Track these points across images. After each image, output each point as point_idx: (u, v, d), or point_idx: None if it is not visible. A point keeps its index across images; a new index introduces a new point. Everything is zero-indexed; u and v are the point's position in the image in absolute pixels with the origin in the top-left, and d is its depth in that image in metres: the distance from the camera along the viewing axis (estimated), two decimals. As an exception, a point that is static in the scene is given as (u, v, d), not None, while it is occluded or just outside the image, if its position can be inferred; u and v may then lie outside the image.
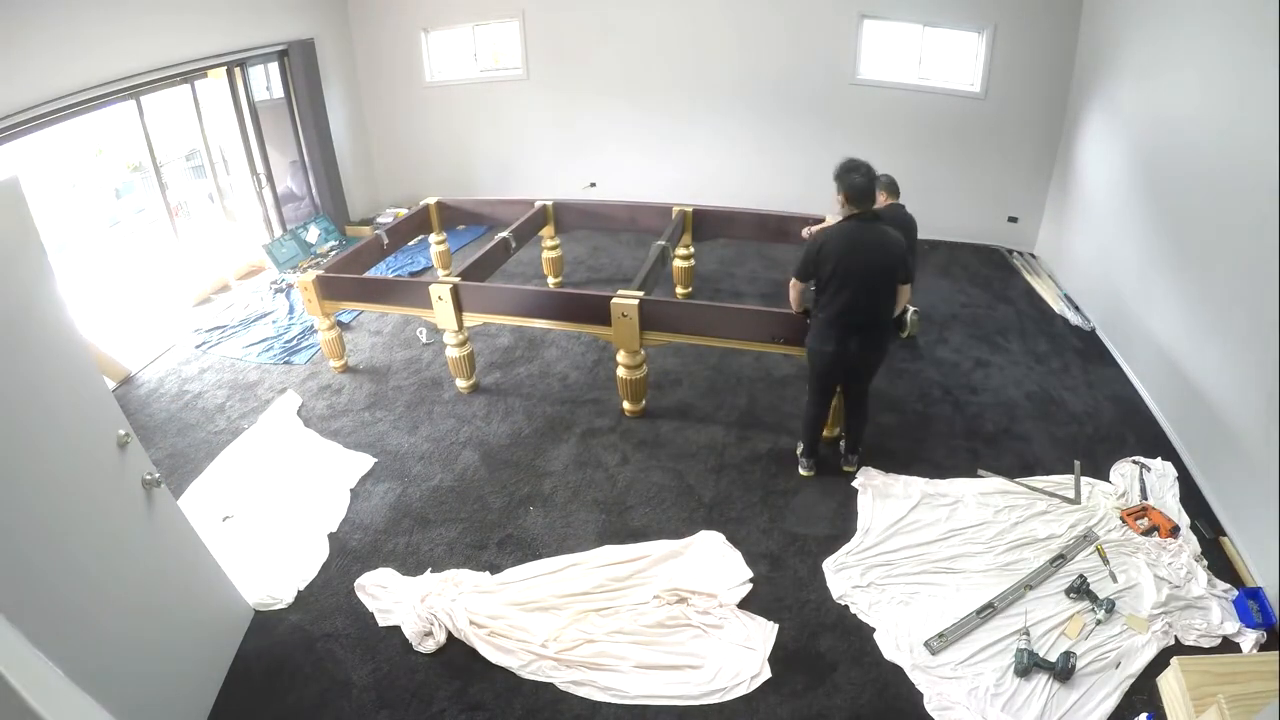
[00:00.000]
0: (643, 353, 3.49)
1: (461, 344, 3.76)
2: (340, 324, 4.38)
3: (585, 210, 5.06)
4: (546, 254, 5.13)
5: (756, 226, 4.71)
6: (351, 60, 6.71)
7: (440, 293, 3.56)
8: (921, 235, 5.99)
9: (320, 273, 3.87)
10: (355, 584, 2.70)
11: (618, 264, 5.57)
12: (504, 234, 4.29)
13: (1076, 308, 4.76)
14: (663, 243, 4.04)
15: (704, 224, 4.74)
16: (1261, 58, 2.88)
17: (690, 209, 4.65)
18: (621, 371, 3.52)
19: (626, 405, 3.67)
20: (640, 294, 3.36)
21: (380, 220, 6.48)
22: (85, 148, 4.85)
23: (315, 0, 6.13)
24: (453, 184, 7.16)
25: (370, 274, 4.48)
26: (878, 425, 3.59)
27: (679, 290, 5.00)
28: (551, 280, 5.21)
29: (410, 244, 5.94)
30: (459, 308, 3.63)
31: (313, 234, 6.06)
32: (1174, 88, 3.72)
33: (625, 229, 4.99)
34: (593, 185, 6.71)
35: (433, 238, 5.19)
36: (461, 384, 3.93)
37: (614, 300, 3.32)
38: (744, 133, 6.16)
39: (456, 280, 3.63)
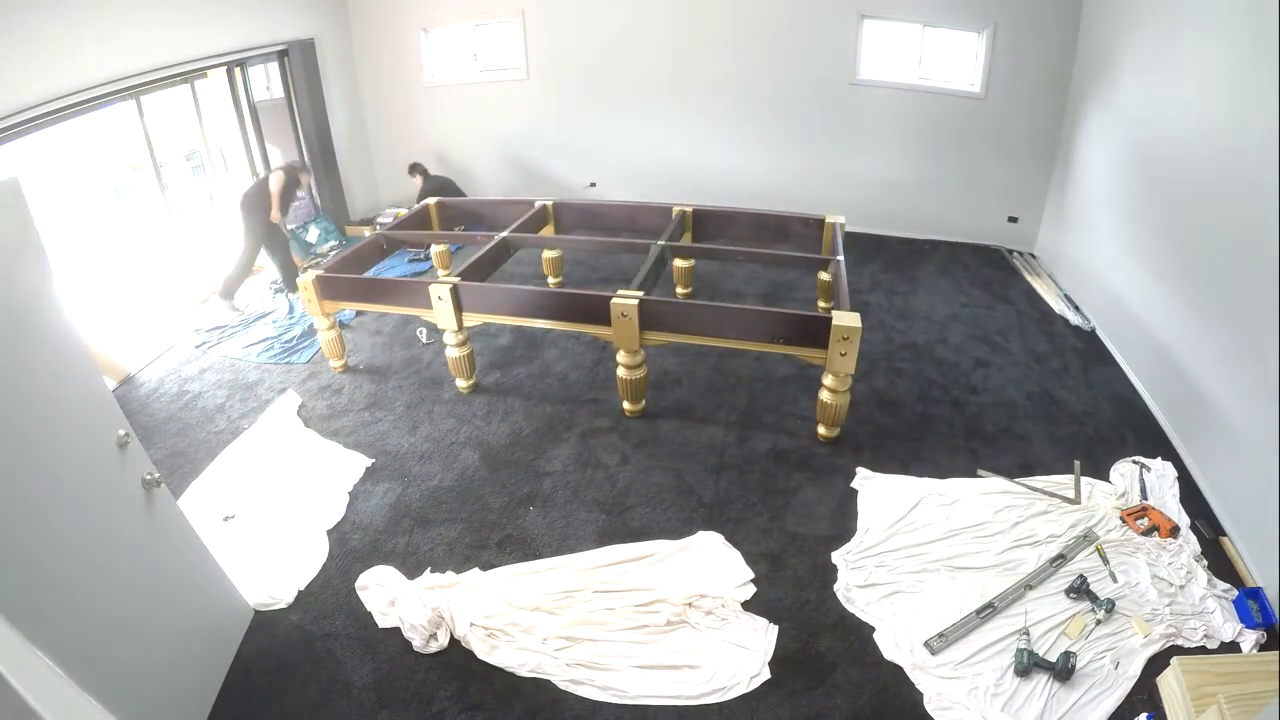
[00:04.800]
0: (642, 353, 3.49)
1: (461, 344, 3.76)
2: (341, 324, 4.38)
3: (585, 210, 5.05)
4: (546, 254, 5.12)
5: (756, 226, 4.71)
6: (351, 60, 6.71)
7: (440, 293, 3.56)
8: (922, 235, 6.08)
9: (320, 273, 3.88)
10: (356, 584, 2.70)
11: (617, 264, 5.55)
12: (503, 234, 4.29)
13: (1076, 308, 4.76)
14: (662, 243, 4.04)
15: (704, 224, 4.74)
16: (1261, 58, 2.88)
17: (690, 209, 4.65)
18: (621, 371, 3.52)
19: (626, 405, 3.67)
20: (640, 294, 3.35)
21: (380, 220, 6.48)
22: (85, 148, 4.85)
23: (315, 0, 6.13)
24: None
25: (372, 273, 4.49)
26: (878, 425, 3.59)
27: (679, 290, 4.99)
28: (551, 280, 5.20)
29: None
30: (459, 308, 3.63)
31: (313, 234, 6.05)
32: (1173, 88, 3.72)
33: (625, 229, 5.00)
34: (593, 185, 6.71)
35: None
36: (462, 384, 3.93)
37: (614, 300, 3.31)
38: (744, 133, 6.17)
39: (456, 280, 3.63)
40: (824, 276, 4.37)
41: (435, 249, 5.23)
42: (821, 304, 4.57)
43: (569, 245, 5.11)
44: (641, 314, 3.31)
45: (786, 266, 4.93)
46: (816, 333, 3.13)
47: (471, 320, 3.69)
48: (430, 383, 4.06)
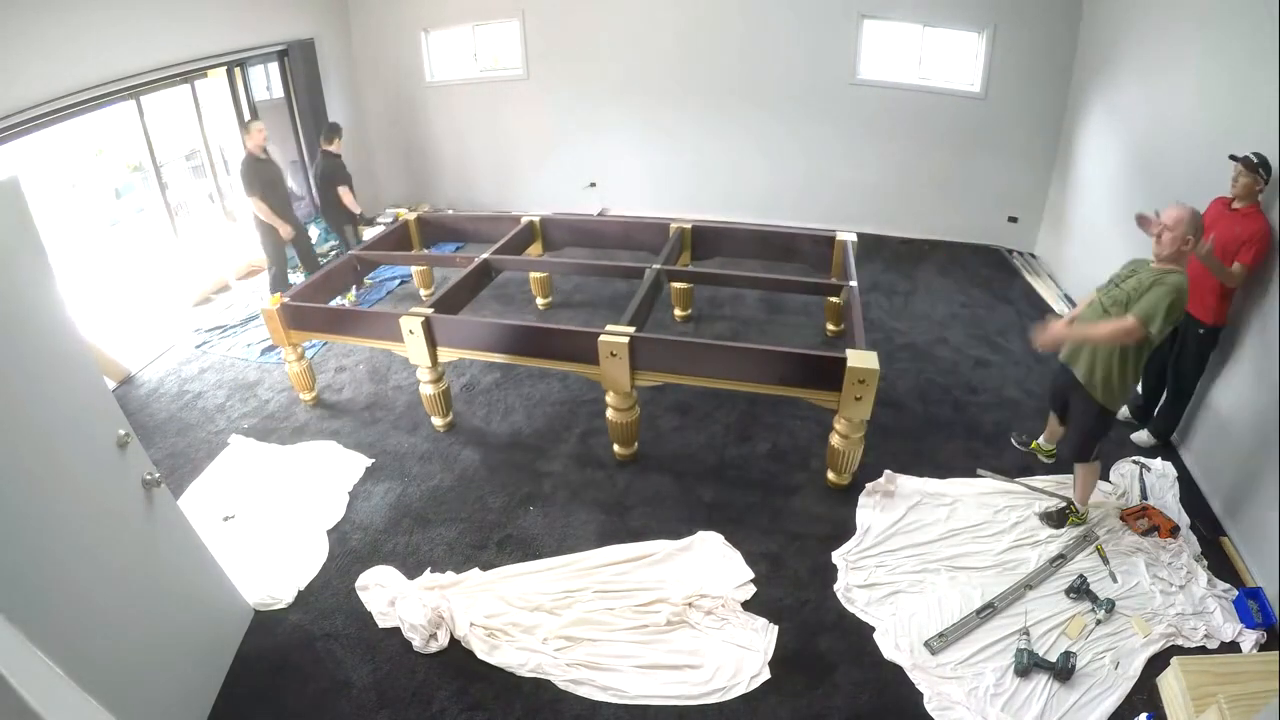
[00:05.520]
0: (634, 394, 3.17)
1: (436, 380, 3.45)
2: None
3: (576, 227, 4.75)
4: (534, 273, 4.77)
5: (760, 244, 4.38)
6: (351, 60, 6.72)
7: (411, 325, 3.25)
8: (922, 235, 6.07)
9: (286, 300, 3.59)
10: (356, 584, 2.70)
11: (611, 284, 5.24)
12: (484, 256, 3.98)
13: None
14: (658, 267, 3.75)
15: (703, 242, 4.39)
16: (1261, 58, 2.88)
17: (689, 226, 4.34)
18: (611, 414, 3.18)
19: (617, 449, 3.34)
20: (631, 330, 3.01)
21: (380, 220, 6.48)
22: (85, 148, 4.85)
23: (315, 0, 6.14)
24: (452, 184, 7.18)
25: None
26: (878, 425, 3.58)
27: (677, 313, 4.67)
28: (540, 301, 4.90)
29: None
30: (432, 342, 3.32)
31: (312, 234, 6.05)
32: (1173, 88, 3.72)
33: (619, 247, 4.62)
34: (593, 185, 6.71)
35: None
36: (438, 422, 3.62)
37: (602, 338, 2.98)
38: (743, 130, 6.17)
39: (429, 312, 3.29)
40: (833, 300, 4.14)
41: (415, 267, 4.99)
42: (830, 327, 4.39)
43: (555, 269, 4.64)
44: (633, 352, 3.00)
45: (794, 291, 4.49)
46: (828, 375, 2.80)
47: (447, 356, 3.38)
48: (430, 383, 4.06)
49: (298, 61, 5.81)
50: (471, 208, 7.02)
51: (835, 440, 2.98)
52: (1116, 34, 4.48)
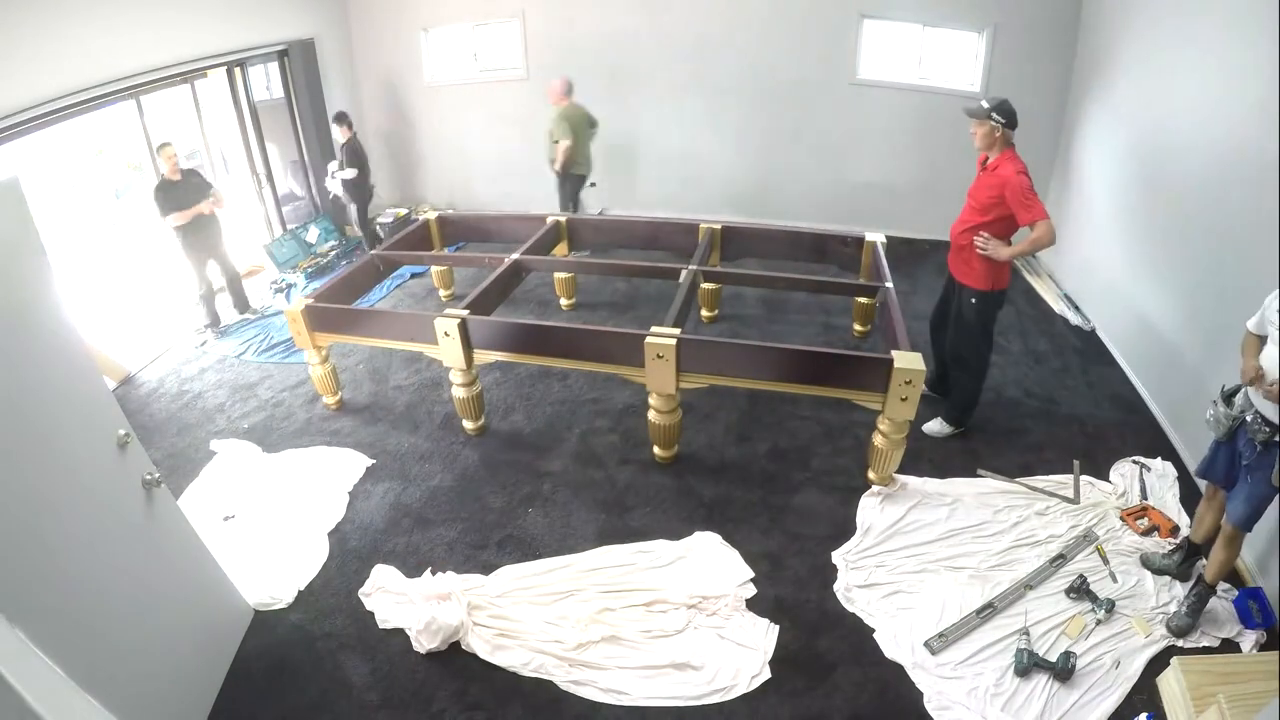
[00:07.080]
0: (678, 396, 3.13)
1: (470, 383, 3.39)
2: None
3: (603, 228, 4.73)
4: (559, 274, 4.74)
5: (790, 245, 4.36)
6: (351, 60, 6.71)
7: (447, 327, 3.17)
8: (921, 235, 6.07)
9: (310, 302, 3.51)
10: (361, 590, 2.70)
11: (638, 283, 5.26)
12: (515, 256, 3.93)
13: (1076, 308, 4.76)
14: (695, 268, 3.70)
15: (733, 243, 4.34)
16: (1260, 58, 2.88)
17: (719, 227, 4.27)
18: (653, 416, 3.16)
19: (657, 450, 3.31)
20: (677, 332, 2.99)
21: (380, 221, 6.47)
22: (85, 148, 4.85)
23: (315, 0, 6.14)
24: (453, 185, 7.17)
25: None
26: (878, 425, 3.59)
27: (704, 313, 4.64)
28: (564, 302, 4.88)
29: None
30: (468, 344, 3.25)
31: (312, 234, 6.06)
32: (1173, 88, 3.72)
33: (647, 247, 4.60)
34: (593, 185, 6.69)
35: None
36: (470, 425, 3.56)
37: (648, 340, 2.94)
38: (744, 131, 6.16)
39: (465, 314, 3.22)
40: (861, 300, 4.17)
41: (435, 269, 4.95)
42: (857, 327, 4.36)
43: (589, 270, 4.61)
44: (679, 354, 2.96)
45: (830, 293, 4.45)
46: (874, 376, 2.81)
47: (483, 358, 3.29)
48: (430, 383, 4.06)
49: (298, 61, 5.81)
50: (471, 208, 7.01)
51: (878, 440, 2.98)
52: (1116, 34, 4.49)
